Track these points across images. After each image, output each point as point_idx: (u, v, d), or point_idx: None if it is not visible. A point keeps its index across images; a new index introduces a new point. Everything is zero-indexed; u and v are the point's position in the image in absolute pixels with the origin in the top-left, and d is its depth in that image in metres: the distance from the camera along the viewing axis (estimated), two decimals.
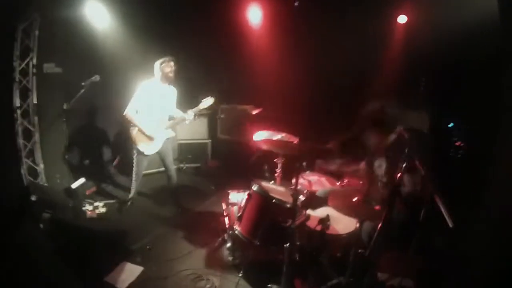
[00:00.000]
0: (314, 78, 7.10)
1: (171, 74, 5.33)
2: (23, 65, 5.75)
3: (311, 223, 3.83)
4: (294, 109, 7.11)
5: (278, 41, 7.39)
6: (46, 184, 6.10)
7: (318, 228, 3.63)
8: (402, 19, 6.97)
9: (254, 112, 7.34)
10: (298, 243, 3.72)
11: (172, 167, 5.75)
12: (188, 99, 7.14)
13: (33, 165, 6.07)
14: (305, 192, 4.10)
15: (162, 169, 6.61)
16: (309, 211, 4.08)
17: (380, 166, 3.89)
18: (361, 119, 3.93)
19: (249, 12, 7.55)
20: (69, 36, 6.12)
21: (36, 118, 6.02)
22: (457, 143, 6.15)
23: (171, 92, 5.54)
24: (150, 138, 5.44)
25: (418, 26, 6.59)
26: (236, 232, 3.88)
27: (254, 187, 3.89)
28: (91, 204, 5.83)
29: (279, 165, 4.77)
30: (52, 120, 6.23)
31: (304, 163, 4.74)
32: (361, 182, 4.23)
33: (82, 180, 6.20)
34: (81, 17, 6.09)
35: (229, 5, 7.29)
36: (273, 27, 7.47)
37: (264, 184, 4.16)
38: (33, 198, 5.46)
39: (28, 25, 5.66)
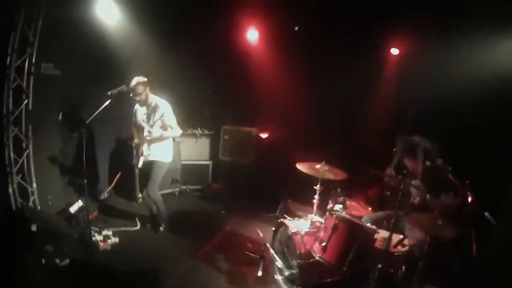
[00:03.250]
0: (315, 103, 6.65)
1: (137, 98, 4.63)
2: (19, 62, 4.40)
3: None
4: (297, 134, 6.67)
5: (279, 65, 6.82)
6: (39, 207, 4.60)
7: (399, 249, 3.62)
8: (394, 51, 6.71)
9: (263, 136, 6.75)
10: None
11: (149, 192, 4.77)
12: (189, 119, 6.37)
13: (23, 183, 4.59)
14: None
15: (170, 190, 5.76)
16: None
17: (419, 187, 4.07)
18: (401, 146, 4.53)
19: (248, 35, 6.97)
20: (73, 35, 4.91)
21: (30, 127, 4.59)
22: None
23: (153, 111, 4.74)
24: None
25: (409, 59, 6.39)
26: (320, 260, 3.62)
27: (339, 217, 3.70)
28: (99, 233, 4.52)
29: (317, 192, 4.27)
30: (45, 130, 4.84)
31: (339, 189, 4.45)
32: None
33: (79, 203, 4.85)
34: (89, 16, 4.96)
35: (228, 27, 6.67)
36: (274, 49, 6.92)
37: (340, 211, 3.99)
38: (33, 227, 4.02)
39: (30, 14, 4.37)
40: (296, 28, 6.90)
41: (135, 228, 4.97)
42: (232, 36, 6.81)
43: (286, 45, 6.74)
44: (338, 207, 4.11)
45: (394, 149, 5.26)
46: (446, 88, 5.29)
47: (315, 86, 6.58)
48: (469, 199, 3.38)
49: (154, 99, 4.74)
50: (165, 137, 4.79)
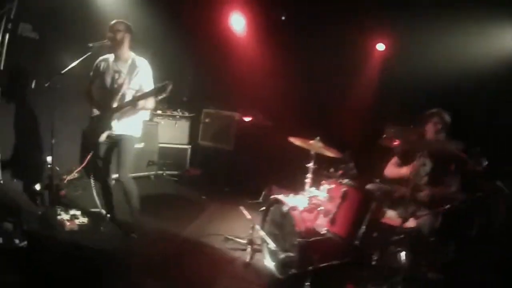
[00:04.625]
0: (301, 89, 6.44)
1: (111, 42, 3.61)
2: None
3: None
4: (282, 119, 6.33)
5: (264, 50, 6.57)
6: (1, 181, 4.02)
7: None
8: (380, 46, 6.50)
9: (246, 120, 6.35)
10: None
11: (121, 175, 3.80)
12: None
13: None
14: None
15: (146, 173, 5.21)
16: None
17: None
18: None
19: (232, 20, 6.67)
20: None
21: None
22: None
23: (129, 71, 3.67)
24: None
25: (396, 55, 6.20)
26: (328, 235, 3.22)
27: (350, 184, 3.30)
28: (66, 212, 3.98)
29: (310, 170, 3.79)
30: (14, 96, 4.30)
31: (332, 169, 4.10)
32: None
33: (46, 180, 4.31)
34: None
35: (213, 11, 6.36)
36: (259, 36, 6.67)
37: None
38: None
39: None
40: (283, 18, 6.63)
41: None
42: (216, 20, 6.48)
43: (271, 32, 6.49)
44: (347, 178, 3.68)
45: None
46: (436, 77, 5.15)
47: (300, 74, 6.35)
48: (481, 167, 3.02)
49: (132, 54, 3.72)
50: (139, 108, 3.63)
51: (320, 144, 3.68)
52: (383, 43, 6.38)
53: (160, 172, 5.91)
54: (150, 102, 3.68)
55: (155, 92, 3.40)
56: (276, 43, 6.41)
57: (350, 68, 6.31)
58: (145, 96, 3.51)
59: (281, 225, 3.57)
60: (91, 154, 5.07)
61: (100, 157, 3.92)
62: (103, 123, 3.70)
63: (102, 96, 3.78)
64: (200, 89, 6.56)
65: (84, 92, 3.86)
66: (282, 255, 3.37)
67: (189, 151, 6.30)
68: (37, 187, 4.21)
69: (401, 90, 5.65)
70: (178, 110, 6.25)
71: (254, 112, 6.46)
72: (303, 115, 6.24)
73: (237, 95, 6.57)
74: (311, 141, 3.72)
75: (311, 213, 3.47)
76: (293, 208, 3.43)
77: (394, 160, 3.88)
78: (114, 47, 3.66)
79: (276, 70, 6.40)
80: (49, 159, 4.72)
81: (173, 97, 5.93)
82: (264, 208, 3.83)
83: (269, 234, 3.67)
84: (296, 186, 4.04)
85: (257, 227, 3.77)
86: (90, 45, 3.55)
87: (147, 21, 5.40)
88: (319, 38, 6.26)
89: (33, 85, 4.53)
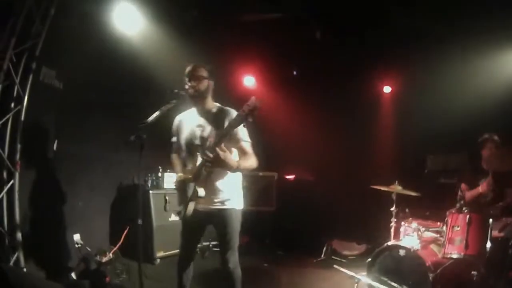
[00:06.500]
0: (327, 138, 5.95)
1: (192, 88, 2.60)
2: (15, 51, 2.85)
3: None
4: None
5: (280, 107, 6.09)
6: (25, 269, 2.69)
7: None
8: (387, 89, 6.38)
9: (289, 178, 5.90)
10: None
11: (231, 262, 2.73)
12: None
13: (2, 231, 2.72)
14: None
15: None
16: None
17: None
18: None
19: (245, 81, 6.40)
20: (85, 44, 3.59)
21: (19, 147, 2.88)
22: None
23: (217, 122, 2.64)
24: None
25: (403, 95, 6.11)
26: (465, 258, 3.27)
27: (471, 210, 3.43)
28: None
29: (394, 213, 3.82)
30: (37, 158, 3.20)
31: (407, 209, 3.88)
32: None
33: (82, 265, 3.05)
34: (107, 27, 3.78)
35: (224, 78, 5.74)
36: (274, 94, 6.26)
37: None
38: None
39: None
40: (295, 73, 6.46)
41: None
42: (229, 84, 5.97)
43: (287, 88, 6.23)
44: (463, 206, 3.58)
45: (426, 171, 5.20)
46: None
47: (322, 123, 5.97)
48: None
49: (217, 104, 2.77)
50: (240, 168, 2.51)
51: (400, 187, 3.83)
52: (388, 85, 6.29)
53: (206, 243, 4.67)
54: (253, 160, 2.57)
55: (240, 120, 2.31)
56: (291, 97, 6.08)
57: (365, 112, 6.10)
58: (228, 131, 2.39)
59: (398, 270, 3.39)
60: (127, 230, 3.99)
61: (184, 235, 2.72)
62: (187, 191, 2.58)
63: (183, 160, 2.75)
64: None
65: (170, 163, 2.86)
66: None
67: None
68: (73, 275, 2.89)
69: (416, 125, 5.49)
70: None
71: (296, 170, 5.92)
72: (340, 163, 5.80)
73: (273, 154, 5.76)
74: (392, 186, 3.85)
75: (426, 250, 3.48)
76: (413, 248, 3.37)
77: (463, 187, 3.91)
78: (197, 98, 2.67)
79: (298, 124, 6.01)
80: (76, 237, 3.51)
81: None
82: (370, 259, 3.53)
83: (383, 283, 3.42)
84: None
85: (365, 280, 3.46)
86: (176, 91, 2.51)
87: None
88: (331, 88, 6.04)
89: (54, 146, 3.49)
